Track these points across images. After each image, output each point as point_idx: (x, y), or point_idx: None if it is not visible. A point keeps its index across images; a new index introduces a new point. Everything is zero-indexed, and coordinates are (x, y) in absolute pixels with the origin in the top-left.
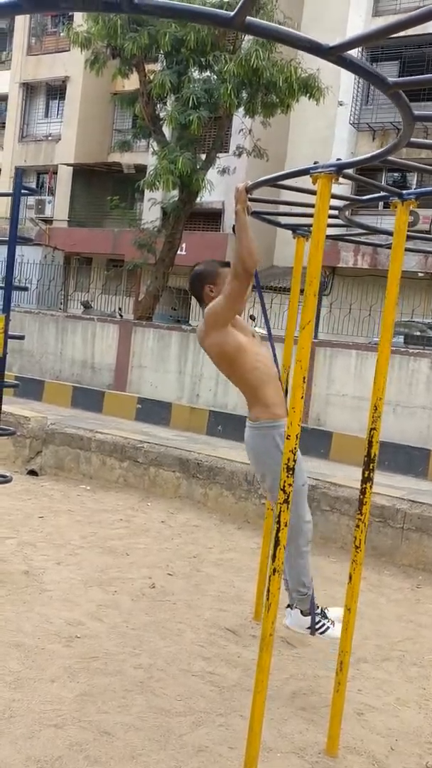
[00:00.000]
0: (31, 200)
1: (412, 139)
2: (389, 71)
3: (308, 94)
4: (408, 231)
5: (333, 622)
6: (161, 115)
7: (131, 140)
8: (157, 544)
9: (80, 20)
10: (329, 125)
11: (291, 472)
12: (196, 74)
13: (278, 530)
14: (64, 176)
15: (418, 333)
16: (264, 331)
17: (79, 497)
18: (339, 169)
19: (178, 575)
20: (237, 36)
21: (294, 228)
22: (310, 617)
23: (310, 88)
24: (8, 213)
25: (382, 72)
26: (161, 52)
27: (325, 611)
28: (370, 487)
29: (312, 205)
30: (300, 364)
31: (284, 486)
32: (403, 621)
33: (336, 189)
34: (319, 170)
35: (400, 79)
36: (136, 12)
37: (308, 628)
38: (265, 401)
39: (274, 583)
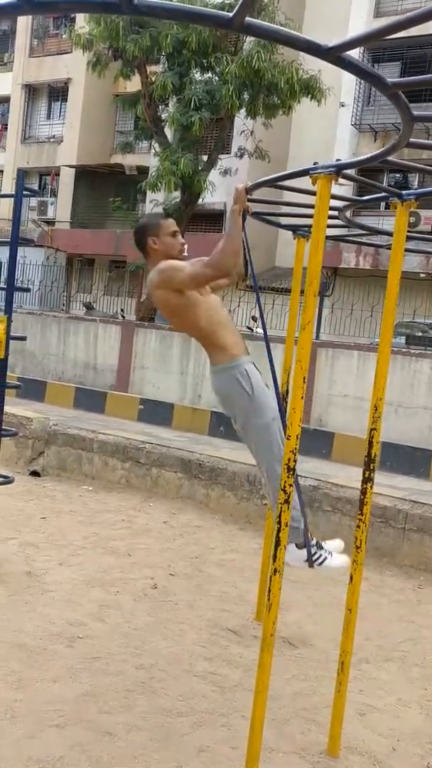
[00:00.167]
0: (34, 202)
1: (412, 140)
2: (391, 72)
3: (310, 96)
4: (409, 231)
5: (330, 553)
6: (163, 116)
7: (133, 142)
8: (159, 545)
9: (82, 22)
10: (331, 126)
11: (292, 473)
12: (197, 76)
13: (279, 530)
14: (66, 178)
15: (420, 334)
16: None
17: (82, 498)
18: (338, 170)
19: (179, 576)
20: (238, 37)
21: (294, 228)
22: (305, 550)
23: (311, 89)
24: (10, 214)
25: (383, 73)
26: (163, 53)
27: (321, 543)
28: (371, 487)
29: (312, 206)
30: (300, 365)
31: (284, 486)
32: (405, 621)
33: (337, 190)
34: (319, 171)
35: (399, 79)
36: (135, 13)
37: (305, 561)
38: (221, 344)
39: (275, 584)
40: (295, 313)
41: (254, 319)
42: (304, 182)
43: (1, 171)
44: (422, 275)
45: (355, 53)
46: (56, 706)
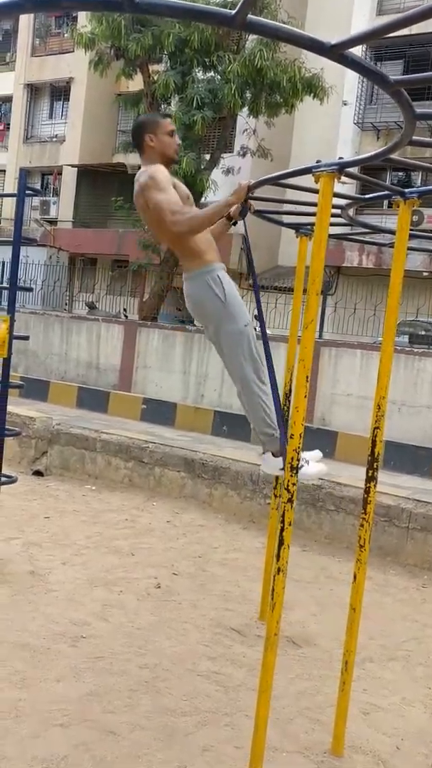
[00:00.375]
0: (36, 201)
1: (415, 138)
2: (393, 70)
3: (312, 94)
4: (411, 230)
5: (307, 461)
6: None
7: None
8: (162, 544)
9: (84, 21)
10: (333, 125)
11: (295, 471)
12: (200, 75)
13: (282, 530)
14: (69, 177)
15: (423, 332)
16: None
17: (85, 497)
18: (341, 168)
19: (183, 575)
20: (241, 36)
21: (297, 227)
22: (282, 458)
23: (314, 87)
24: (13, 214)
25: (385, 71)
26: (165, 52)
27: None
28: (374, 486)
29: (315, 204)
30: (303, 364)
31: (288, 486)
32: (409, 620)
33: (340, 188)
34: (321, 169)
35: (401, 77)
36: (137, 11)
37: (281, 468)
38: (195, 250)
39: (278, 583)
40: (298, 312)
41: (254, 318)
42: (307, 180)
43: (4, 170)
44: (425, 274)
45: (357, 51)
46: (60, 706)
